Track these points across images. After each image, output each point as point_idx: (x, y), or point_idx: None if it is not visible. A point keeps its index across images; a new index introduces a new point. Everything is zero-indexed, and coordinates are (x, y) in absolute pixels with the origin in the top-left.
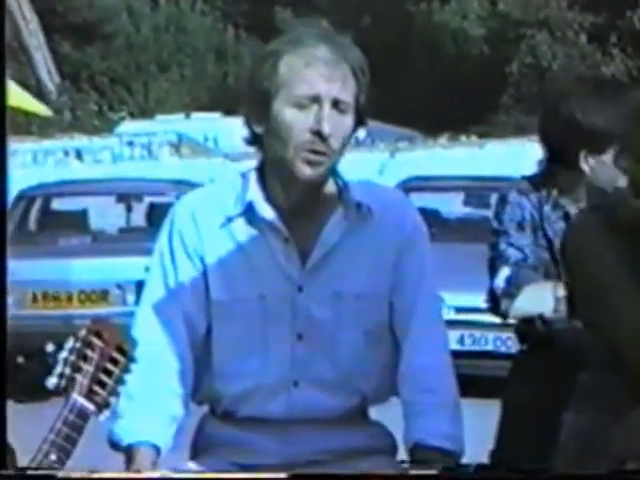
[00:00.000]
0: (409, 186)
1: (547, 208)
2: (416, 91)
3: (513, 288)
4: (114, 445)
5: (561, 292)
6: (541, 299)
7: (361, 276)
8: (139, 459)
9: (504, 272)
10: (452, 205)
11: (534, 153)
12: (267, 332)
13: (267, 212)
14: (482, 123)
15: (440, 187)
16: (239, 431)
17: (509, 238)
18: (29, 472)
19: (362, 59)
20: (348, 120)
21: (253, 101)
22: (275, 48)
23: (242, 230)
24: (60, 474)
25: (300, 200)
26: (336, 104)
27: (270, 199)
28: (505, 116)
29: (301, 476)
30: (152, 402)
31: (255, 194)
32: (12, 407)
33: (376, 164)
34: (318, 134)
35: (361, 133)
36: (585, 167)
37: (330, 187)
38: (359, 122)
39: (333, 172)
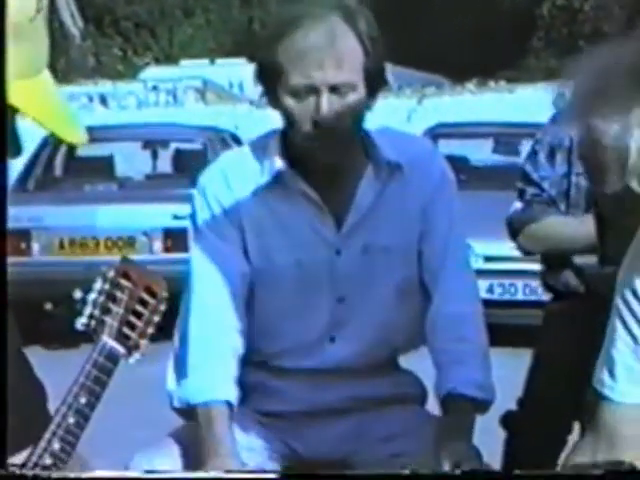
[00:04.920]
0: (437, 133)
1: None
2: (443, 35)
3: (517, 224)
4: (184, 406)
5: (570, 230)
6: (543, 238)
7: (392, 230)
8: (216, 416)
9: (514, 207)
10: (481, 152)
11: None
12: (307, 297)
13: (297, 181)
14: (511, 67)
15: (468, 134)
16: (270, 379)
17: (534, 170)
18: (21, 472)
19: (371, 24)
20: (354, 98)
21: (263, 85)
22: (275, 31)
23: (274, 197)
24: (55, 475)
25: (327, 167)
26: (334, 89)
27: (298, 166)
28: (535, 60)
29: (297, 476)
30: (218, 359)
31: (282, 163)
32: (41, 353)
33: (403, 111)
34: (319, 127)
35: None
36: None
37: (357, 146)
38: (375, 89)
39: (359, 129)
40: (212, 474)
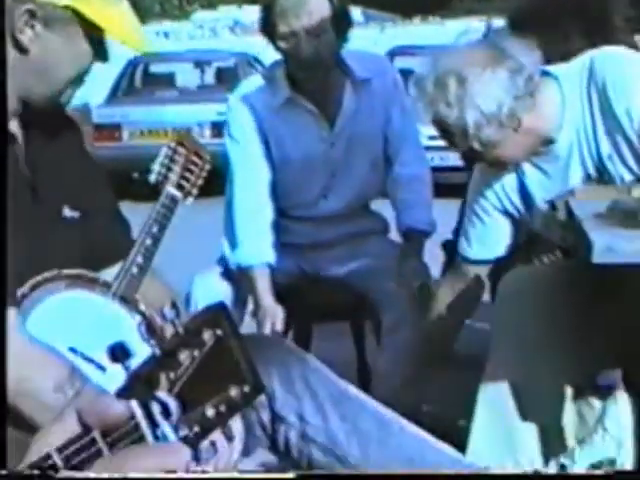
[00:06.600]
0: (395, 52)
1: None
2: None
3: None
4: (236, 269)
5: None
6: None
7: (366, 124)
8: (260, 275)
9: None
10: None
11: (480, 30)
12: (310, 174)
13: (301, 100)
14: (443, 8)
15: (416, 53)
16: (285, 222)
17: None
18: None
19: None
20: (325, 37)
21: (266, 36)
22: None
23: (286, 113)
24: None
25: (318, 87)
26: (309, 32)
27: (298, 88)
28: (459, 2)
29: (308, 476)
30: (259, 230)
31: (289, 90)
32: (130, 205)
33: (371, 38)
34: (301, 59)
35: (359, 17)
36: None
37: (336, 68)
38: (342, 30)
39: (335, 57)
40: (218, 475)
